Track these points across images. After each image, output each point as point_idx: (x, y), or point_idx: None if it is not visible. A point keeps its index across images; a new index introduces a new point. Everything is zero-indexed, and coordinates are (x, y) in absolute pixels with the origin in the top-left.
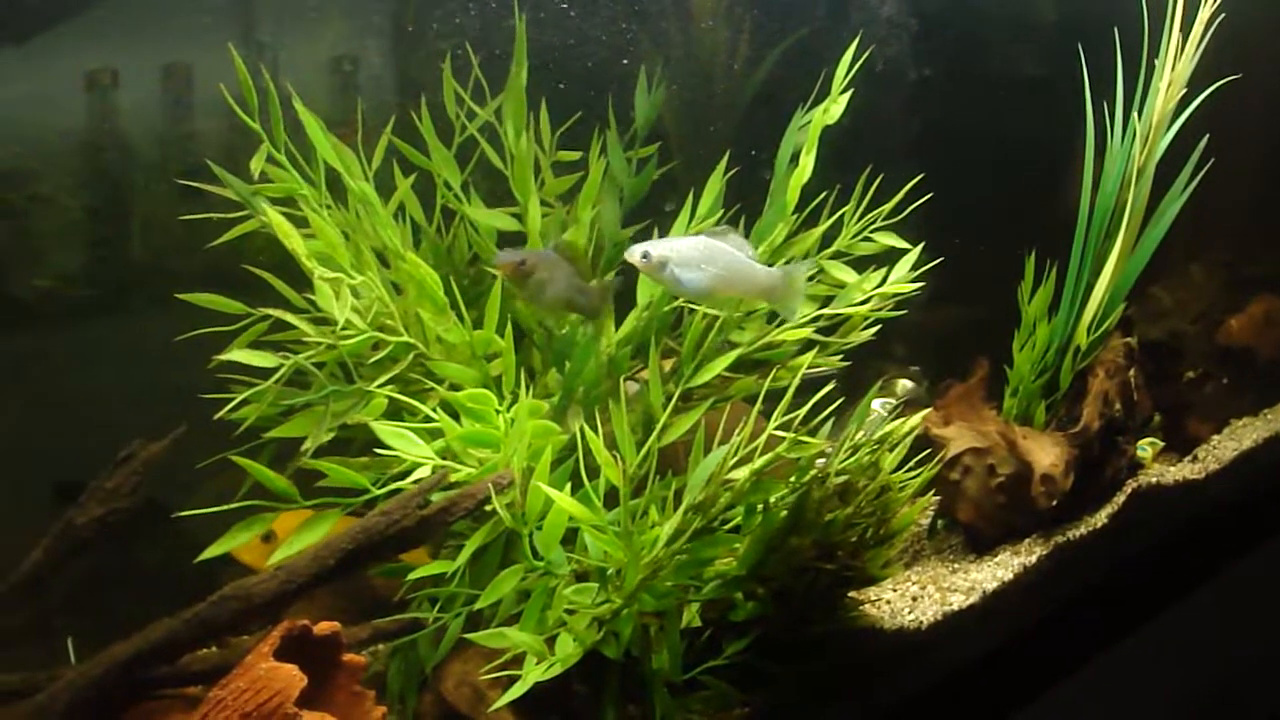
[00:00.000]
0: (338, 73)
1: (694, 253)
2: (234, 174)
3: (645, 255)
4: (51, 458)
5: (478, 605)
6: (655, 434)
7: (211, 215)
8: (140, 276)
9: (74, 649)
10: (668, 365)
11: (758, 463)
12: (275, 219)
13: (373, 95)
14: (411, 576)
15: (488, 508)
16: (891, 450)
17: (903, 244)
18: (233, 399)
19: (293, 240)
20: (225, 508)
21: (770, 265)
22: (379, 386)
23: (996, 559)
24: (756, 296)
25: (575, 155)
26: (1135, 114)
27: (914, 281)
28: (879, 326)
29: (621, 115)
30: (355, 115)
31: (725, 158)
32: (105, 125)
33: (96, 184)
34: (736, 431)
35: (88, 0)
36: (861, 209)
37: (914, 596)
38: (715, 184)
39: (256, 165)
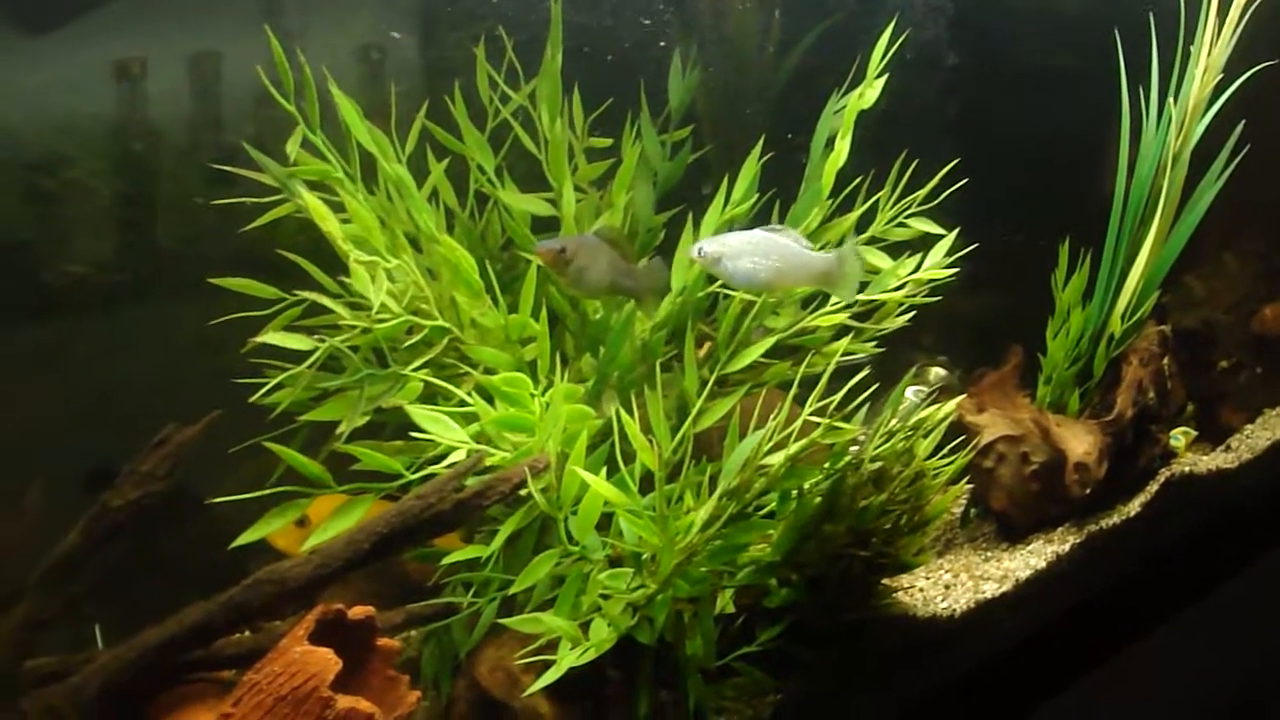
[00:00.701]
0: (366, 61)
1: (748, 246)
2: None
3: (700, 251)
4: (84, 442)
5: (512, 590)
6: (690, 419)
7: (244, 200)
8: (171, 262)
9: (101, 634)
10: (702, 351)
11: (792, 448)
12: (311, 201)
13: (404, 82)
14: (446, 561)
15: (522, 492)
16: (925, 437)
17: (938, 229)
18: (266, 383)
19: (329, 223)
20: (258, 494)
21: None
22: (414, 370)
23: (1029, 547)
24: (814, 283)
25: (608, 142)
26: (1171, 99)
27: (948, 267)
28: (914, 312)
29: (655, 99)
30: (387, 101)
31: (760, 142)
32: (135, 112)
33: (127, 169)
34: (771, 417)
35: None
36: (897, 194)
37: (947, 584)
38: (751, 168)
39: (292, 148)
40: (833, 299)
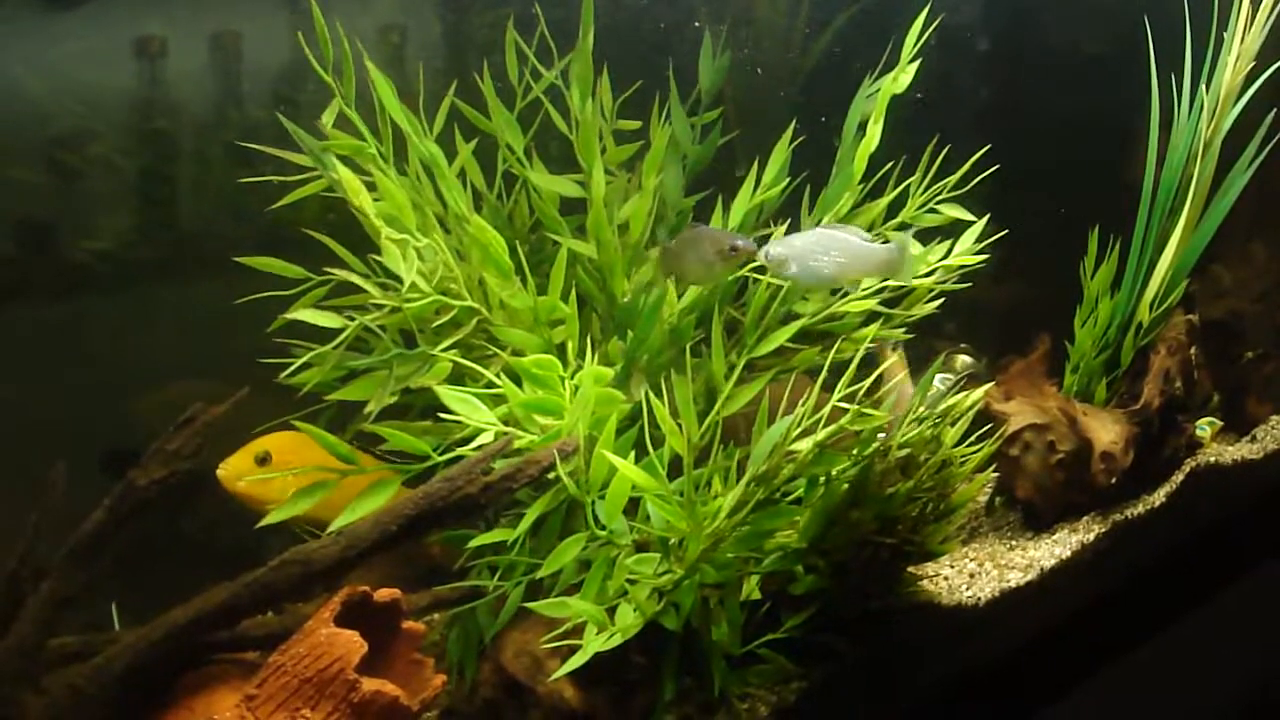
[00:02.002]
0: (386, 42)
1: (812, 245)
2: (286, 143)
3: (767, 256)
4: (106, 421)
5: (539, 574)
6: (719, 404)
7: (270, 179)
8: (193, 240)
9: (117, 612)
10: None
11: (820, 435)
12: (346, 176)
13: (429, 61)
14: (472, 544)
15: (550, 475)
16: (953, 425)
17: (968, 216)
18: (292, 363)
19: (362, 199)
20: (284, 473)
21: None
22: (442, 351)
23: (1054, 536)
24: (878, 273)
25: (636, 125)
26: (1203, 87)
27: (978, 254)
28: (943, 299)
29: (685, 80)
30: (411, 80)
31: (791, 125)
32: (156, 90)
33: (150, 145)
34: (800, 403)
35: None
36: (927, 180)
37: (971, 573)
38: (781, 152)
39: (328, 119)
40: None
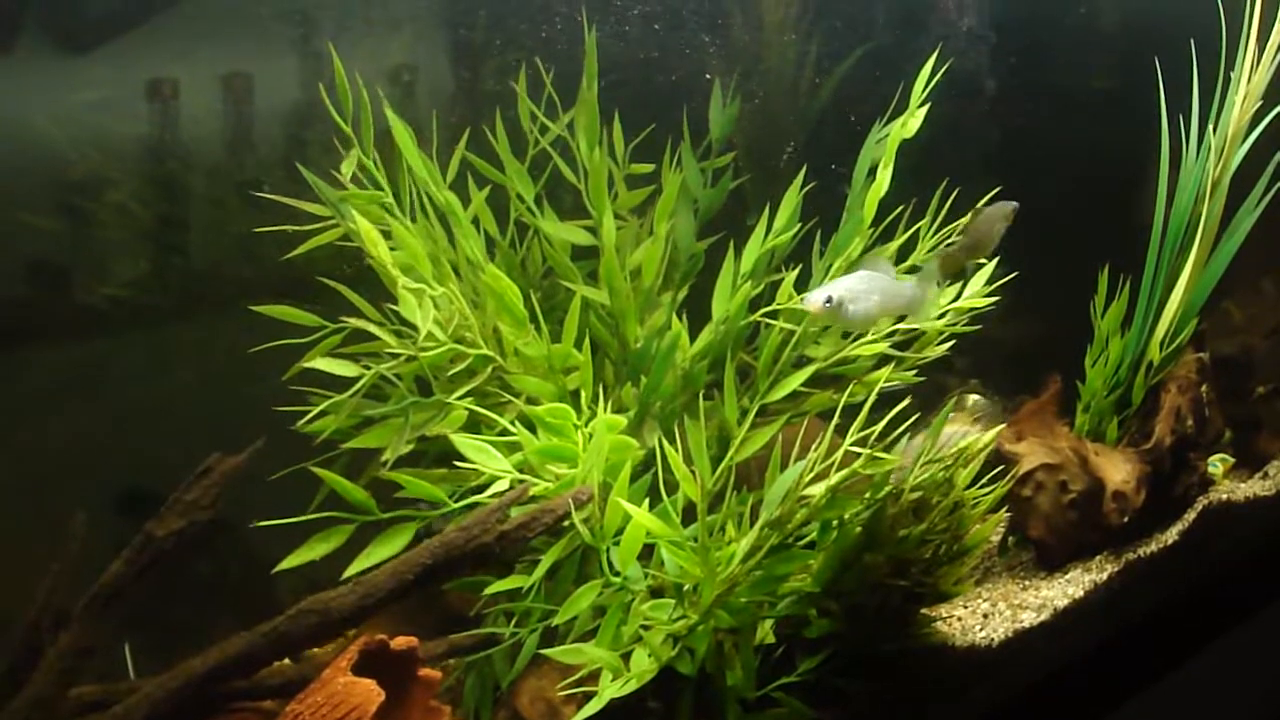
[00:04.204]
0: (397, 83)
1: (860, 286)
2: (295, 190)
3: (828, 300)
4: (121, 466)
5: (554, 621)
6: (732, 449)
7: (286, 227)
8: (205, 287)
9: (130, 657)
10: None
11: (834, 478)
12: (364, 226)
13: (439, 107)
14: (488, 591)
15: (565, 523)
16: (965, 466)
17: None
18: (309, 411)
19: (379, 249)
20: (300, 519)
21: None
22: (458, 399)
23: (1067, 576)
24: (906, 310)
25: (649, 168)
26: (1210, 127)
27: (988, 296)
28: (954, 341)
29: (695, 128)
30: (421, 125)
31: (802, 171)
32: (168, 134)
33: (166, 192)
34: (813, 448)
35: (150, 10)
36: (937, 223)
37: (985, 614)
38: (792, 197)
39: (348, 169)
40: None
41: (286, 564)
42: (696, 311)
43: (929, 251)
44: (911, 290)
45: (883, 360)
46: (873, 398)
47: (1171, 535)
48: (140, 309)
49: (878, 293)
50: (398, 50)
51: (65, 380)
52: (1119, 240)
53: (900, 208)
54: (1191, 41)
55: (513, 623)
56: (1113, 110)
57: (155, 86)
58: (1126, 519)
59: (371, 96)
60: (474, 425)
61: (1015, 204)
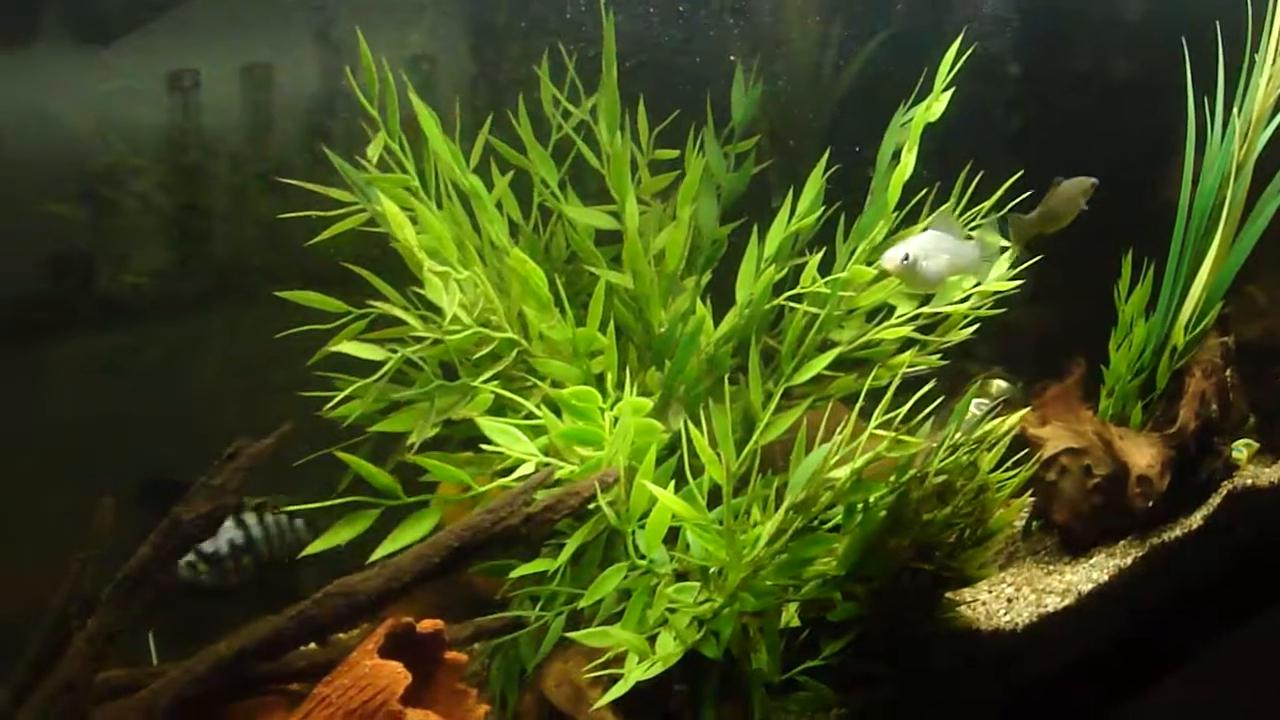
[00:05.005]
0: (418, 70)
1: (931, 244)
2: (319, 175)
3: (905, 258)
4: (145, 452)
5: (580, 604)
6: (757, 433)
7: (310, 214)
8: (229, 273)
9: (155, 644)
10: None
11: (858, 462)
12: (390, 209)
13: (461, 94)
14: (513, 575)
15: (590, 506)
16: (989, 450)
17: (1002, 241)
18: (334, 396)
19: (406, 232)
20: (328, 503)
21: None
22: (483, 382)
23: (1091, 560)
24: (967, 271)
25: (673, 154)
26: (1235, 110)
27: (1012, 279)
28: (978, 325)
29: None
30: (453, 113)
31: (826, 154)
32: (190, 124)
33: (188, 181)
34: (837, 431)
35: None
36: (961, 206)
37: (1009, 598)
38: (816, 181)
39: (374, 152)
40: (899, 311)
41: (313, 548)
42: (720, 296)
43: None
44: (975, 250)
45: (906, 344)
46: (897, 382)
47: (1196, 520)
48: (163, 296)
49: (947, 252)
50: (419, 36)
51: (91, 367)
52: (1143, 224)
53: (924, 191)
54: (1216, 24)
55: (538, 606)
56: (1137, 93)
57: (176, 77)
58: (1151, 503)
59: (394, 83)
60: (499, 409)
61: (1094, 180)
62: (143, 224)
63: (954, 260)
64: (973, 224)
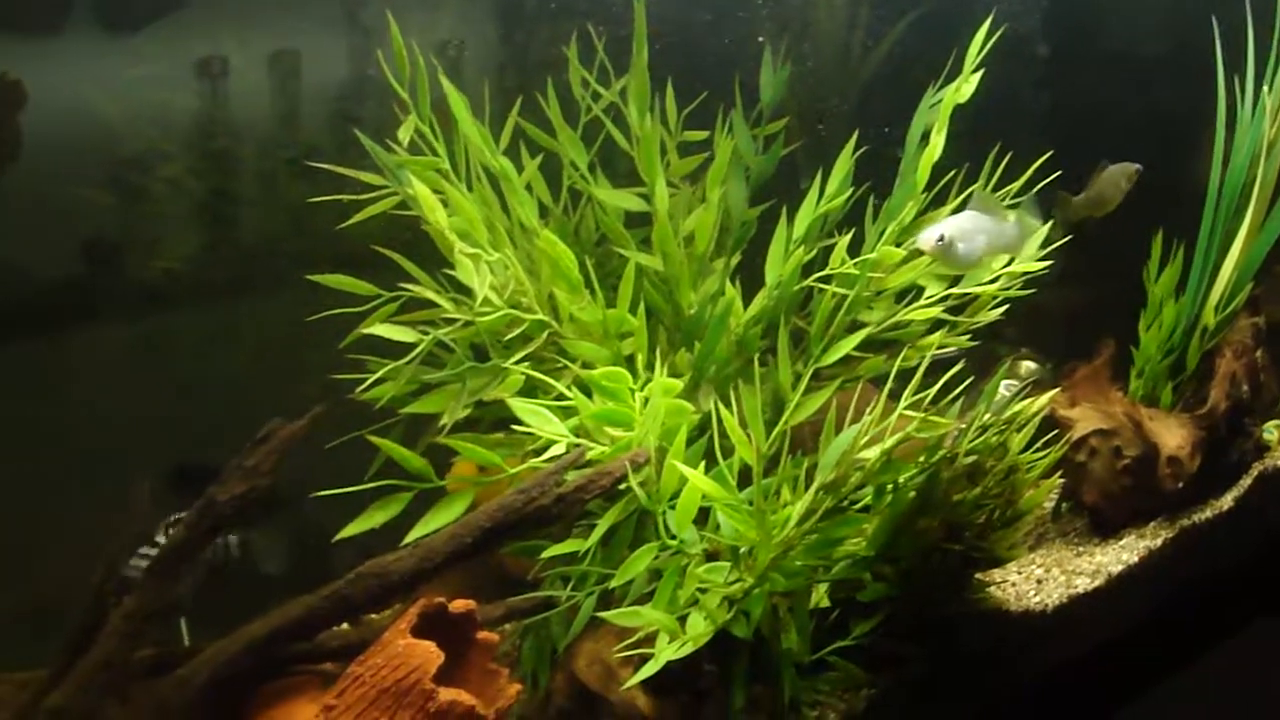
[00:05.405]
0: (444, 56)
1: (969, 225)
2: (349, 160)
3: (940, 239)
4: (178, 437)
5: (611, 584)
6: (787, 413)
7: (341, 197)
8: (263, 258)
9: (186, 626)
10: None
11: (888, 443)
12: (422, 192)
13: (490, 76)
14: (545, 555)
15: (621, 486)
16: (1019, 431)
17: (1032, 222)
18: (365, 378)
19: (437, 214)
20: (359, 487)
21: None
22: (514, 364)
23: (1121, 542)
24: (1007, 250)
25: (703, 136)
26: (1266, 88)
27: (1041, 260)
28: (1007, 306)
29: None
30: (481, 96)
31: (854, 136)
32: (219, 110)
33: (218, 166)
34: (866, 411)
35: None
36: (990, 188)
37: (1039, 579)
38: (845, 162)
39: (405, 135)
40: (928, 292)
41: (347, 532)
42: (750, 277)
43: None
44: (1015, 229)
45: (936, 325)
46: (926, 362)
47: (1226, 501)
48: (193, 281)
49: (984, 232)
50: (447, 19)
51: (123, 352)
52: (1173, 203)
53: (953, 172)
54: (1246, 2)
55: (569, 586)
56: (1167, 71)
57: (205, 63)
58: (1181, 485)
59: (424, 67)
60: (530, 390)
61: (1139, 166)
62: (173, 210)
63: (993, 240)
64: (1008, 202)
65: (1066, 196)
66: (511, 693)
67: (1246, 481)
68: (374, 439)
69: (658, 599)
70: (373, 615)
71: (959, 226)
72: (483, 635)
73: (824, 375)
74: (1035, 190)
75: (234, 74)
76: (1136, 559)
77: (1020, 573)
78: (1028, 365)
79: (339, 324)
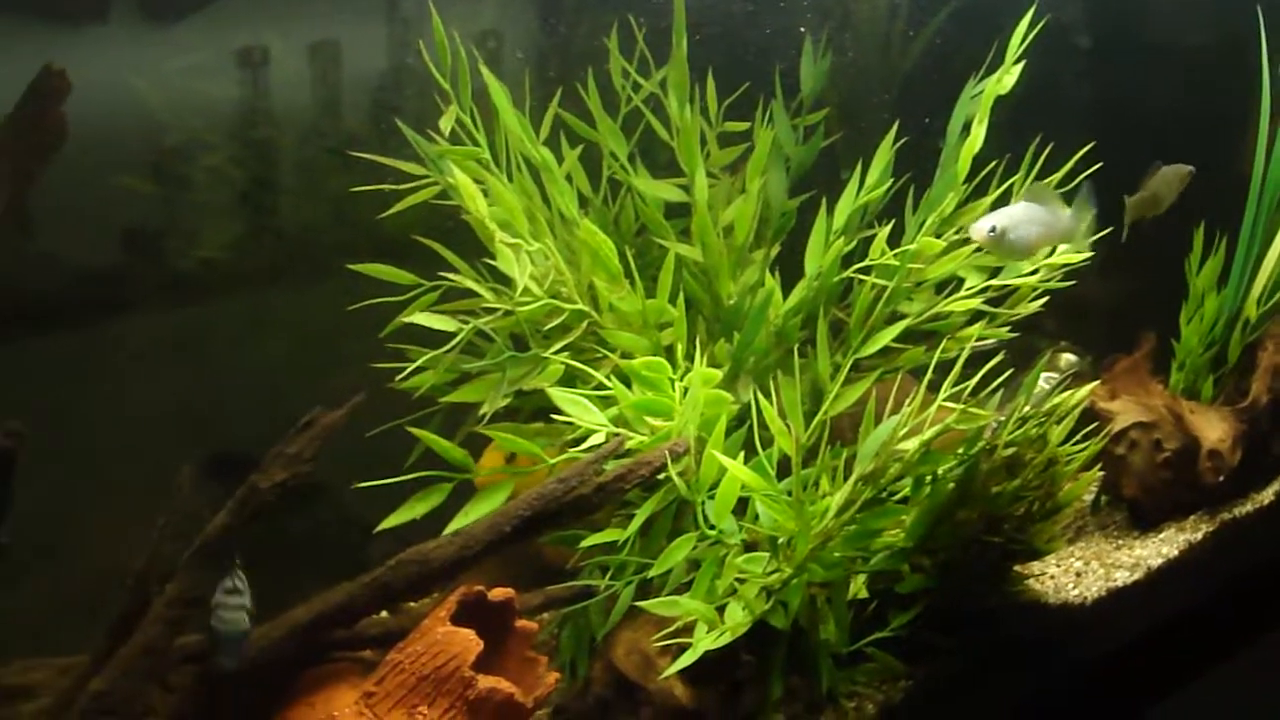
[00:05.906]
0: (483, 48)
1: (1022, 215)
2: (389, 151)
3: (992, 229)
4: (218, 426)
5: (649, 574)
6: (826, 404)
7: (383, 187)
8: (303, 247)
9: None
10: None
11: (927, 434)
12: (463, 181)
13: (531, 67)
14: (584, 544)
15: (660, 476)
16: (1059, 423)
17: (1088, 211)
18: (405, 368)
19: (478, 204)
20: (399, 479)
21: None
22: (554, 354)
23: (1161, 535)
24: (1060, 241)
25: (743, 126)
26: None
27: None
28: (1047, 298)
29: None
30: (522, 86)
31: (895, 126)
32: (259, 99)
33: (258, 156)
34: (906, 402)
35: None
36: (1031, 178)
37: (1078, 572)
38: (885, 152)
39: (447, 124)
40: (968, 283)
41: (388, 523)
42: (789, 268)
43: None
44: (1069, 220)
45: (975, 317)
46: (965, 354)
47: (1268, 495)
48: (234, 271)
49: (1038, 223)
50: (488, 9)
51: (163, 341)
52: (1216, 195)
53: (994, 163)
54: None
55: (608, 576)
56: (1211, 61)
57: (245, 53)
58: (1222, 478)
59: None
60: (570, 380)
61: (1191, 167)
62: (214, 199)
63: (1047, 231)
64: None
65: (1127, 197)
66: (550, 681)
67: None
68: (413, 430)
69: (696, 589)
70: (411, 604)
71: (1010, 216)
72: (521, 623)
73: (863, 366)
74: (1078, 180)
75: (274, 64)
76: (1176, 553)
77: (1059, 565)
78: (1068, 358)
79: (380, 313)
